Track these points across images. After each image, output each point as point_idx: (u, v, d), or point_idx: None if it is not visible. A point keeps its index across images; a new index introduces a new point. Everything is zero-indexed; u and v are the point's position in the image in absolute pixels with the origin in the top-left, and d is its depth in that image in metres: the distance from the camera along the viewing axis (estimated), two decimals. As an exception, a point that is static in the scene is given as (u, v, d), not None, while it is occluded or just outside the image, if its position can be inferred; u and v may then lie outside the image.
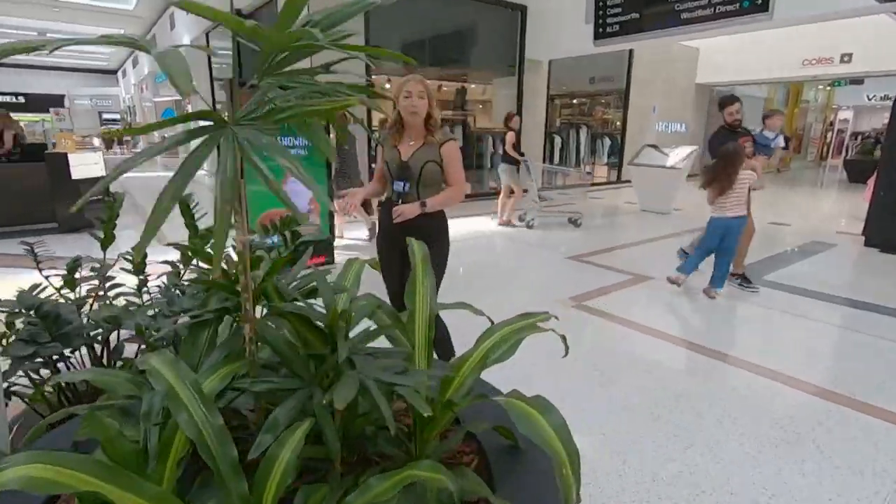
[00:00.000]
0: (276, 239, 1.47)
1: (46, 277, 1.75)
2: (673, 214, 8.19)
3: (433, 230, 2.34)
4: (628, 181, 10.40)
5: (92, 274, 1.80)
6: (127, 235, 1.99)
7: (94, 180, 6.24)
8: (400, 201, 2.30)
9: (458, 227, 6.95)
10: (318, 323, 1.04)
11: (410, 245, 1.40)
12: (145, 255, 1.69)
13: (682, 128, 13.89)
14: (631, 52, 11.62)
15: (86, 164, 6.15)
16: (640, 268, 5.02)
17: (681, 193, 8.26)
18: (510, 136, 6.78)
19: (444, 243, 2.42)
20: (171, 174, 0.73)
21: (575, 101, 14.04)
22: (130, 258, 1.73)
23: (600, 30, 7.57)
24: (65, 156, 5.92)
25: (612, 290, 4.36)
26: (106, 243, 1.76)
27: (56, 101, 23.65)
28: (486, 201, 9.11)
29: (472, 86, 11.20)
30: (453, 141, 2.36)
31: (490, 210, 7.82)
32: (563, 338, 1.16)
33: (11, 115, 6.81)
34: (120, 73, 26.67)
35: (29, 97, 24.96)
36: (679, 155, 8.28)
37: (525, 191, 7.21)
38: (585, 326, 3.57)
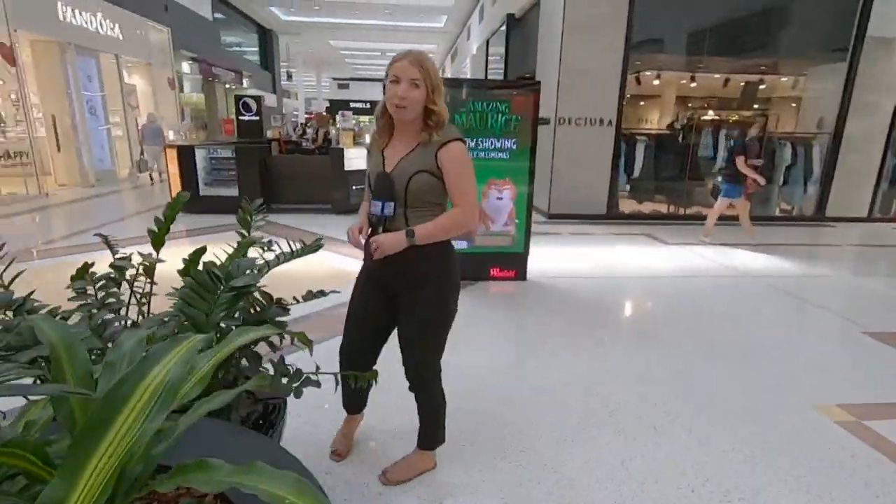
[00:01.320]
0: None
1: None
2: None
3: (428, 273, 1.68)
4: None
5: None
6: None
7: (360, 172, 7.35)
8: (380, 229, 1.64)
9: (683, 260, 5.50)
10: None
11: None
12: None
13: None
14: None
15: (356, 158, 7.28)
16: None
17: None
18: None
19: (446, 290, 1.73)
20: None
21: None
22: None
23: None
24: (342, 150, 7.14)
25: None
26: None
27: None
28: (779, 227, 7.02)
29: (769, 78, 8.75)
30: (460, 142, 1.62)
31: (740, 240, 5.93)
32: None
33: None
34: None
35: (373, 104, 32.12)
36: None
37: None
38: (855, 464, 2.16)
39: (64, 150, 9.55)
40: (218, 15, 16.48)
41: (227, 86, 17.36)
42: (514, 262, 4.44)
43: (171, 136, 11.00)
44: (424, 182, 1.59)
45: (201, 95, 15.68)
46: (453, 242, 1.75)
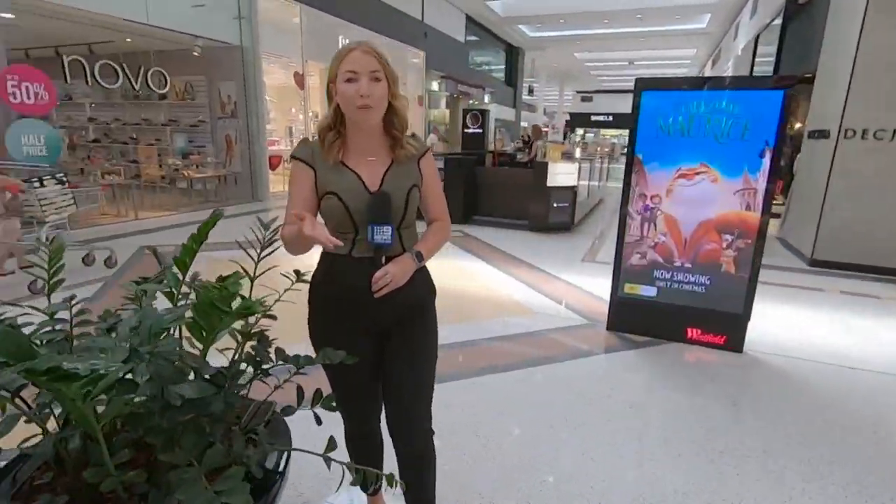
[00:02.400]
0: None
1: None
2: None
3: (426, 296, 1.49)
4: None
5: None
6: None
7: (563, 189, 6.76)
8: (383, 260, 1.33)
9: None
10: None
11: None
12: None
13: None
14: None
15: (560, 174, 6.72)
16: None
17: None
18: None
19: (434, 308, 1.53)
20: None
21: None
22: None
23: None
24: (545, 165, 6.67)
25: None
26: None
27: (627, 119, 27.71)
28: None
29: None
30: (430, 149, 1.45)
31: None
32: None
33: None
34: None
35: (615, 116, 30.50)
36: None
37: None
38: None
39: (331, 156, 11.67)
40: (471, 37, 17.89)
41: (472, 101, 18.72)
42: (725, 324, 3.25)
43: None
44: (415, 197, 1.37)
45: (446, 111, 17.24)
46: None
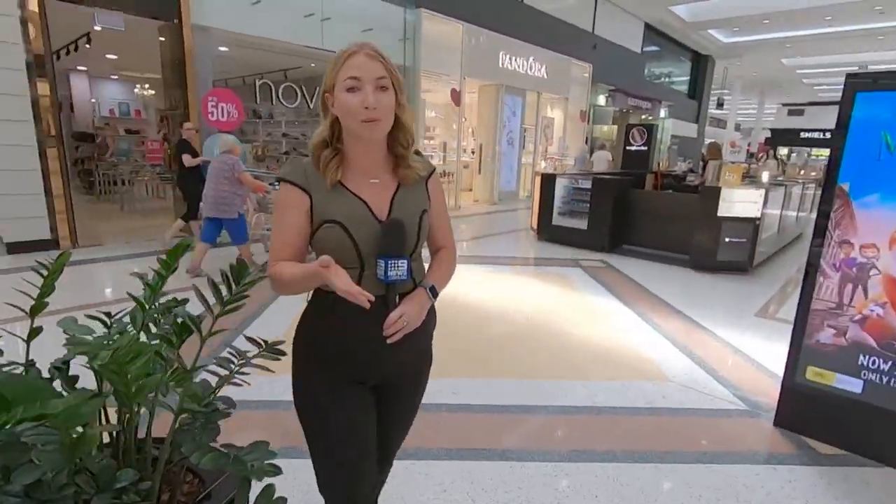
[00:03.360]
0: None
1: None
2: None
3: (431, 336, 1.28)
4: None
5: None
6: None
7: (740, 220, 5.46)
8: (397, 299, 1.11)
9: None
10: None
11: None
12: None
13: None
14: None
15: (738, 201, 5.45)
16: None
17: None
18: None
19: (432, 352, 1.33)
20: None
21: None
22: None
23: None
24: (717, 190, 5.48)
25: None
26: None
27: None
28: None
29: None
30: (436, 169, 1.26)
31: None
32: None
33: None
34: None
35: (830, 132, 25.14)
36: None
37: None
38: None
39: (483, 172, 11.60)
40: (649, 47, 16.35)
41: (644, 116, 17.08)
42: None
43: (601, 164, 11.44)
44: (427, 223, 1.20)
45: (613, 127, 15.99)
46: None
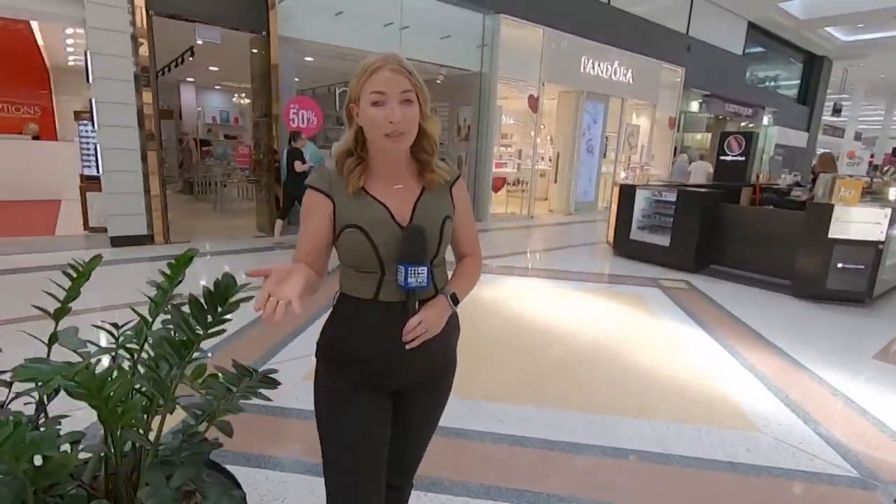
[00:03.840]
0: None
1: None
2: None
3: (454, 344, 1.27)
4: None
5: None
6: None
7: (857, 243, 4.70)
8: (417, 305, 1.11)
9: None
10: None
11: None
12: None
13: None
14: None
15: (856, 221, 4.69)
16: None
17: None
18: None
19: (456, 360, 1.30)
20: None
21: None
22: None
23: None
24: (829, 208, 4.75)
25: None
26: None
27: None
28: None
29: None
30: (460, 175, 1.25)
31: None
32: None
33: None
34: None
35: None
36: None
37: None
38: None
39: (559, 181, 11.16)
40: (753, 49, 14.95)
41: (743, 124, 15.62)
42: None
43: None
44: (450, 229, 1.19)
45: (706, 135, 14.78)
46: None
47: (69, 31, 7.71)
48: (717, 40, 13.45)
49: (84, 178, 6.58)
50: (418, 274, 1.08)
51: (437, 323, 1.14)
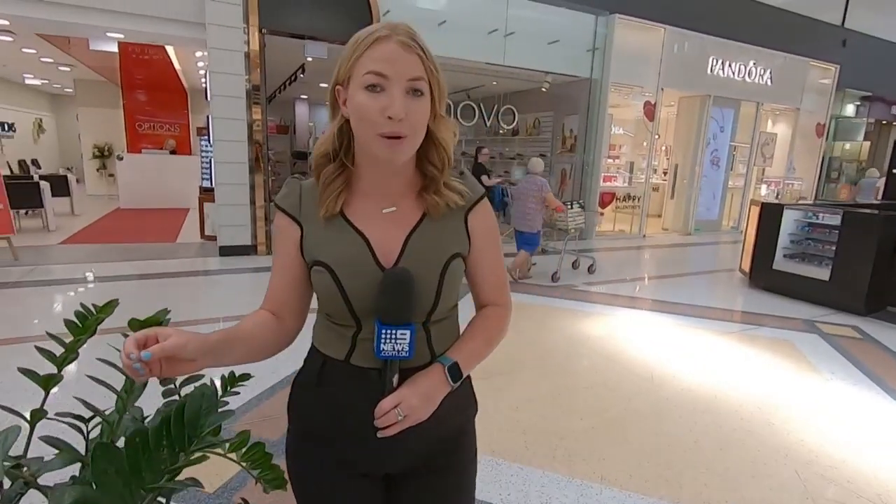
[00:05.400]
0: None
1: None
2: None
3: (466, 421, 0.94)
4: None
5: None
6: None
7: None
8: (395, 380, 0.78)
9: None
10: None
11: None
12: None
13: None
14: None
15: None
16: None
17: None
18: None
19: (474, 433, 0.96)
20: None
21: None
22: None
23: None
24: None
25: None
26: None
27: None
28: None
29: None
30: (485, 196, 0.88)
31: None
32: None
33: None
34: None
35: None
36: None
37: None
38: None
39: (677, 197, 9.97)
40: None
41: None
42: None
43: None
44: (458, 272, 0.86)
45: (863, 143, 12.48)
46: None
47: (199, 53, 8.42)
48: (882, 31, 11.30)
49: (202, 190, 7.03)
50: (396, 339, 0.75)
51: (423, 406, 0.79)
